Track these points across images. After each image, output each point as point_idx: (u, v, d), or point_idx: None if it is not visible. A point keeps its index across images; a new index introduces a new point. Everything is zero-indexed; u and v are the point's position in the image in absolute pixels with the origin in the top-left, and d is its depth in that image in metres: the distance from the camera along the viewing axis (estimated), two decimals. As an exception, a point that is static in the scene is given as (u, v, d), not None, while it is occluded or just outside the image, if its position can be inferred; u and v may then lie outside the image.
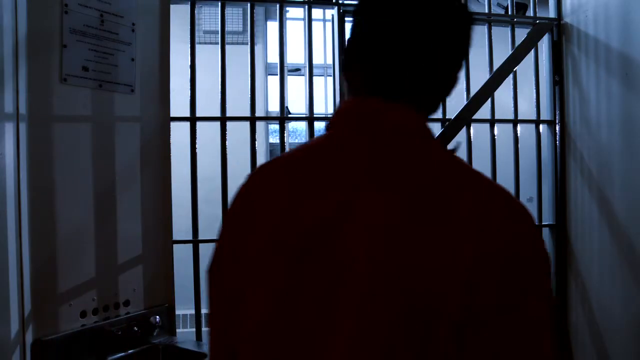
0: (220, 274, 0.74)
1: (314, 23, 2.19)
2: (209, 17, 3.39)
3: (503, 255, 0.56)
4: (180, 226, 1.88)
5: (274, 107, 3.66)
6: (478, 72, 2.23)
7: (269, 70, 3.69)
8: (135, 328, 1.50)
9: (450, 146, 0.70)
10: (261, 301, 0.64)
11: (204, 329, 1.99)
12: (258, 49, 3.35)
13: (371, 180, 0.62)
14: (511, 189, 2.28)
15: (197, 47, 1.97)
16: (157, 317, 1.56)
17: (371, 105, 0.68)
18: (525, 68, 2.31)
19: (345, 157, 0.65)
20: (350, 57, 0.74)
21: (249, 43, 2.02)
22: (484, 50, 2.25)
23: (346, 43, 0.76)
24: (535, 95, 2.33)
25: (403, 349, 0.55)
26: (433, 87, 0.71)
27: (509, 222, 0.58)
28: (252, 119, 2.01)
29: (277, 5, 2.06)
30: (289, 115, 2.76)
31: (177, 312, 1.70)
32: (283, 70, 2.06)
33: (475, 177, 0.63)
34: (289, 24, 3.72)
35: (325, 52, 3.77)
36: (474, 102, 2.20)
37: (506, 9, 2.34)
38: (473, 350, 0.54)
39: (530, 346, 0.56)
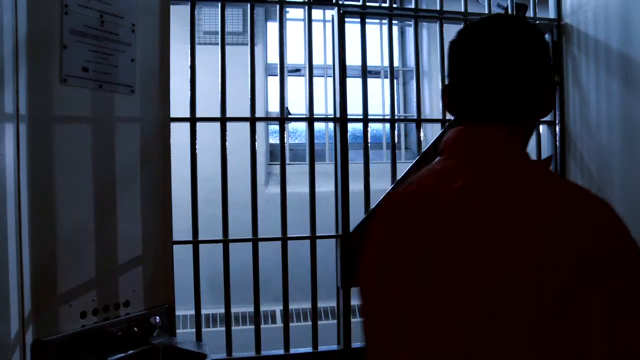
0: (370, 277, 0.85)
1: (314, 24, 2.19)
2: (209, 17, 3.39)
3: (590, 248, 0.65)
4: (180, 227, 1.89)
5: (274, 108, 3.66)
6: (478, 72, 2.23)
7: (269, 70, 3.69)
8: (135, 328, 1.50)
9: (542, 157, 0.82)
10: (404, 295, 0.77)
11: (204, 329, 1.99)
12: (258, 49, 3.35)
13: (478, 192, 0.74)
14: (511, 189, 2.27)
15: (197, 47, 1.97)
16: (157, 317, 1.56)
17: (478, 132, 0.80)
18: (525, 68, 2.30)
19: (461, 177, 0.76)
20: (453, 88, 0.86)
21: (249, 43, 2.02)
22: (484, 51, 2.25)
23: (447, 79, 0.88)
24: (535, 95, 2.33)
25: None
26: (530, 110, 0.82)
27: (594, 220, 0.68)
28: (252, 120, 2.01)
29: (277, 6, 2.06)
30: (289, 116, 2.76)
31: (177, 312, 1.70)
32: (283, 70, 2.07)
33: (564, 185, 0.76)
34: (289, 25, 3.72)
35: (325, 52, 3.76)
36: (474, 103, 2.20)
37: (506, 9, 2.34)
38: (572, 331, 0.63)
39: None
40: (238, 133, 2.20)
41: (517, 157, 0.78)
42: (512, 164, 0.76)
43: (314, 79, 2.16)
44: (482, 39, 0.82)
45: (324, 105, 3.65)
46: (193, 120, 1.93)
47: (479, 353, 0.67)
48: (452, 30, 2.47)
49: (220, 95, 1.97)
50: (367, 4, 2.15)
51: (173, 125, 1.73)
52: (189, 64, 1.93)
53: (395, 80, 2.41)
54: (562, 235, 0.65)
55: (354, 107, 2.27)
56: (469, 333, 0.68)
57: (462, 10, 2.22)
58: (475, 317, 0.68)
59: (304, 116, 2.13)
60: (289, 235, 2.04)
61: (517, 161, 0.77)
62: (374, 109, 3.78)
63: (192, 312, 1.93)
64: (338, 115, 2.08)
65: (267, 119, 3.40)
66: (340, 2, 2.09)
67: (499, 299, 0.66)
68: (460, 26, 2.45)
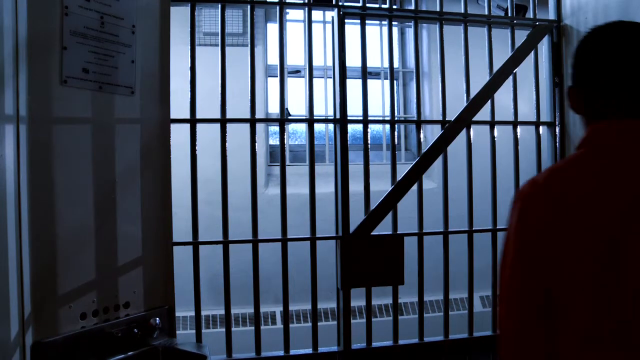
0: (538, 241, 0.89)
1: (314, 25, 2.19)
2: (209, 18, 3.39)
3: None
4: (180, 228, 1.89)
5: (274, 109, 3.66)
6: (478, 73, 2.23)
7: (269, 71, 3.69)
8: (135, 330, 1.50)
9: None
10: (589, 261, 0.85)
11: (204, 330, 1.99)
12: (258, 50, 3.35)
13: None
14: (511, 190, 2.28)
15: (197, 48, 1.97)
16: (157, 318, 1.56)
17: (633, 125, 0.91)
18: (525, 70, 2.31)
19: (629, 163, 0.88)
20: (585, 91, 0.96)
21: (249, 45, 2.02)
22: (484, 52, 2.25)
23: (576, 80, 0.97)
24: (535, 97, 2.33)
25: None
26: None
27: None
28: (252, 121, 2.01)
29: (277, 7, 2.06)
30: (289, 117, 2.76)
31: (177, 313, 1.70)
32: (283, 72, 2.07)
33: None
34: (289, 26, 3.72)
35: (325, 54, 3.76)
36: (474, 104, 2.20)
37: (506, 10, 2.34)
38: None
39: None
40: (238, 134, 2.20)
41: None
42: None
43: (314, 80, 2.16)
44: (617, 44, 0.92)
45: (324, 106, 3.65)
46: (193, 121, 1.94)
47: None
48: (452, 32, 2.48)
49: (220, 96, 1.97)
50: (367, 5, 2.15)
51: (173, 126, 1.73)
52: (189, 65, 1.94)
53: (395, 82, 2.41)
54: None
55: (354, 108, 2.27)
56: None
57: (462, 11, 2.22)
58: None
59: (304, 117, 2.13)
60: (289, 237, 2.04)
61: None
62: (374, 110, 3.78)
63: (192, 313, 1.93)
64: (338, 116, 2.08)
65: (267, 120, 3.41)
66: (340, 4, 2.09)
67: None
68: (460, 27, 2.44)
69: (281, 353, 2.01)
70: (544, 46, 2.34)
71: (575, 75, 0.99)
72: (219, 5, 1.98)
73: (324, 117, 3.20)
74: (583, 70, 0.97)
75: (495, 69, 2.23)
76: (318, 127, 3.66)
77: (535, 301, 0.89)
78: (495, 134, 2.26)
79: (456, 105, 2.19)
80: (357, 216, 2.07)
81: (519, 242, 0.92)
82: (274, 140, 3.76)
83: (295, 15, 3.78)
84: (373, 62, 3.87)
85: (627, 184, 0.87)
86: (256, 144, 2.01)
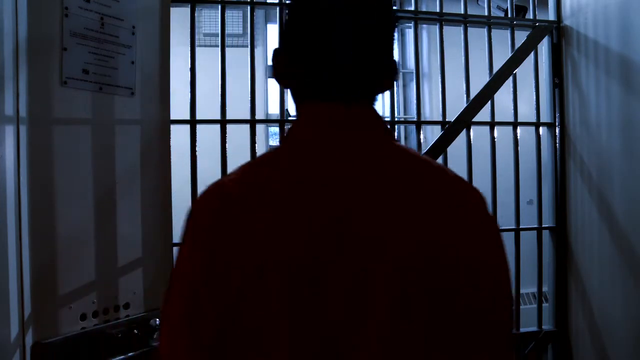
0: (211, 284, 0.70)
1: (314, 26, 2.19)
2: (209, 19, 3.40)
3: None
4: (180, 229, 1.88)
5: (274, 110, 3.66)
6: (478, 74, 2.23)
7: (269, 72, 3.70)
8: (136, 331, 1.50)
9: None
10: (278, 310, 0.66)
11: (204, 331, 1.98)
12: (258, 51, 3.35)
13: (364, 183, 0.67)
14: (511, 191, 2.28)
15: (197, 49, 1.97)
16: (157, 319, 1.56)
17: (340, 111, 0.70)
18: (525, 71, 2.31)
19: (332, 166, 0.68)
20: (289, 60, 0.76)
21: (249, 46, 2.02)
22: (484, 53, 2.25)
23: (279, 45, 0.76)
24: (535, 97, 2.33)
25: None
26: (378, 80, 0.75)
27: None
28: (252, 122, 2.01)
29: (277, 8, 2.06)
30: (289, 118, 2.76)
31: (177, 314, 1.70)
32: (283, 72, 2.06)
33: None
34: (289, 27, 3.71)
35: (325, 54, 3.77)
36: (474, 105, 2.20)
37: (506, 11, 2.34)
38: None
39: None
40: (238, 135, 2.20)
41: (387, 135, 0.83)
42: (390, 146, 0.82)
43: (314, 81, 2.16)
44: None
45: (324, 107, 3.65)
46: (193, 122, 1.94)
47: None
48: (451, 32, 2.48)
49: (220, 97, 1.97)
50: (367, 6, 2.15)
51: (173, 127, 1.73)
52: (189, 65, 1.94)
53: (395, 82, 2.41)
54: None
55: (354, 109, 2.27)
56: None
57: (462, 12, 2.23)
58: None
59: (304, 118, 2.13)
60: (289, 237, 2.03)
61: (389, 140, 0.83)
62: (374, 111, 3.78)
63: (192, 314, 1.92)
64: (338, 117, 2.08)
65: (267, 121, 3.41)
66: (340, 5, 2.09)
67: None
68: (460, 28, 2.44)
69: (281, 354, 2.01)
70: (543, 47, 2.35)
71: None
72: (219, 6, 1.99)
73: (324, 118, 3.19)
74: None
75: (495, 69, 2.23)
76: (318, 128, 3.65)
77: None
78: (495, 134, 2.26)
79: (456, 106, 2.19)
80: (357, 217, 2.07)
81: None
82: (274, 141, 3.76)
83: (295, 16, 3.78)
84: (373, 63, 3.87)
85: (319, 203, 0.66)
86: (256, 144, 2.01)
